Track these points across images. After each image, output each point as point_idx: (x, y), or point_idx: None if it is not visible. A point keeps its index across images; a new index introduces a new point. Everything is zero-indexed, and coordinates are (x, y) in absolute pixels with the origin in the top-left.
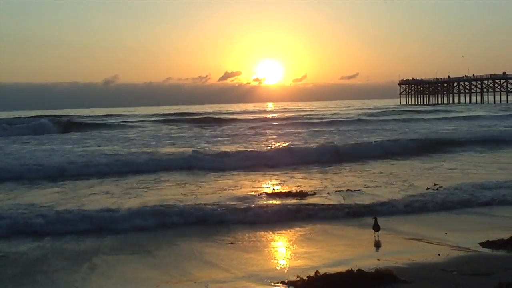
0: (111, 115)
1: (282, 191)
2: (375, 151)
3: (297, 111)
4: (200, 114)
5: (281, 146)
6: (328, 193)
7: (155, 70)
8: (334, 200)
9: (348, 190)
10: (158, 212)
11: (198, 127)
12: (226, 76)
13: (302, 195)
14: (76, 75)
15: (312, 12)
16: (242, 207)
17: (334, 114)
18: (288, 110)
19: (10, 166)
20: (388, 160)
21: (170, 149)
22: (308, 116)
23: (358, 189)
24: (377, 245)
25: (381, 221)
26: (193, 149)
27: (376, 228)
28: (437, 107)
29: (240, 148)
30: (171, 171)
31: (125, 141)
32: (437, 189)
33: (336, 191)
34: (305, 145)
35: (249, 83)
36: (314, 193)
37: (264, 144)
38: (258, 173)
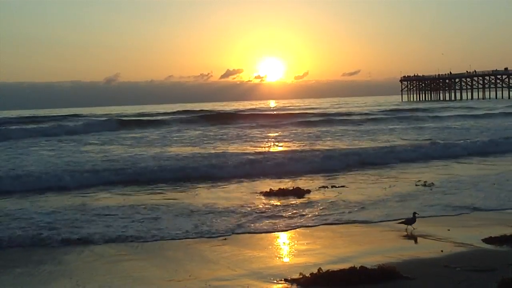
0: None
1: (282, 188)
2: None
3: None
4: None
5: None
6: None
7: (156, 68)
8: (333, 197)
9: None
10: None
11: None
12: (228, 73)
13: (299, 193)
14: (78, 74)
15: (313, 9)
16: (243, 208)
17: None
18: (313, 108)
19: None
20: None
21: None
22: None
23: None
24: (410, 237)
25: (379, 217)
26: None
27: (411, 222)
28: (464, 103)
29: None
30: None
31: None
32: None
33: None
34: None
35: (251, 80)
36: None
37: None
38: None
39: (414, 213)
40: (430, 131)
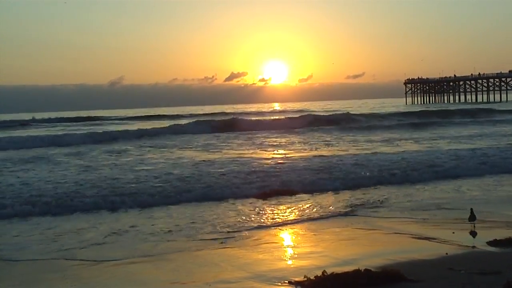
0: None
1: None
2: None
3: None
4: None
5: None
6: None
7: (161, 71)
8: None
9: None
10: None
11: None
12: (232, 76)
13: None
14: (82, 76)
15: (317, 12)
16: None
17: None
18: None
19: None
20: None
21: None
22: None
23: None
24: (473, 234)
25: (383, 220)
26: None
27: (472, 218)
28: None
29: None
30: None
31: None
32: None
33: None
34: None
35: (255, 83)
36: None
37: None
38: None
39: (471, 209)
40: None
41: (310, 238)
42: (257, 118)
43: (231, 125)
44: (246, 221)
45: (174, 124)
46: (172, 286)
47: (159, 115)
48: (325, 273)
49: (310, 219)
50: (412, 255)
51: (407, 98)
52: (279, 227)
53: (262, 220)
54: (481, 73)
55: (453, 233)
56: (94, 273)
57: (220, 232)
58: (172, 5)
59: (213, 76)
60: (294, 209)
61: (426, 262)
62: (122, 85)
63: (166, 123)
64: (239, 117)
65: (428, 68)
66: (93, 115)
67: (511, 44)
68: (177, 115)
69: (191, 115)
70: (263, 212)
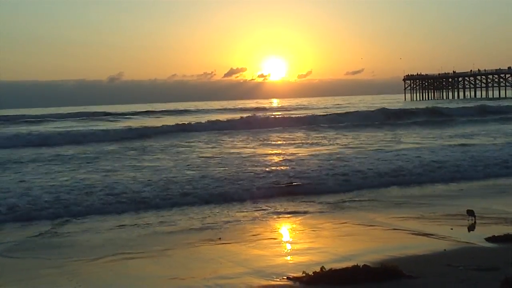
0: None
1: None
2: None
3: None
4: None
5: None
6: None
7: (160, 67)
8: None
9: None
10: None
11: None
12: (231, 72)
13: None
14: (82, 72)
15: (317, 8)
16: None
17: None
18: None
19: None
20: None
21: None
22: None
23: None
24: (472, 229)
25: (382, 216)
26: None
27: (471, 213)
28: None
29: None
30: None
31: None
32: None
33: None
34: None
35: (254, 79)
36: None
37: None
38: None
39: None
40: None
41: (308, 234)
42: (288, 114)
43: (257, 122)
44: (245, 218)
45: (216, 120)
46: (171, 282)
47: (182, 110)
48: (323, 269)
49: (309, 215)
50: (410, 251)
51: (406, 94)
52: (278, 223)
53: (261, 216)
54: (480, 69)
55: (452, 229)
56: (93, 268)
57: (218, 228)
58: (171, 1)
59: (212, 72)
60: (294, 206)
61: (424, 258)
62: (121, 81)
63: (184, 120)
64: (259, 113)
65: (428, 64)
66: (99, 110)
67: (510, 41)
68: (185, 109)
69: (226, 109)
70: (263, 208)
